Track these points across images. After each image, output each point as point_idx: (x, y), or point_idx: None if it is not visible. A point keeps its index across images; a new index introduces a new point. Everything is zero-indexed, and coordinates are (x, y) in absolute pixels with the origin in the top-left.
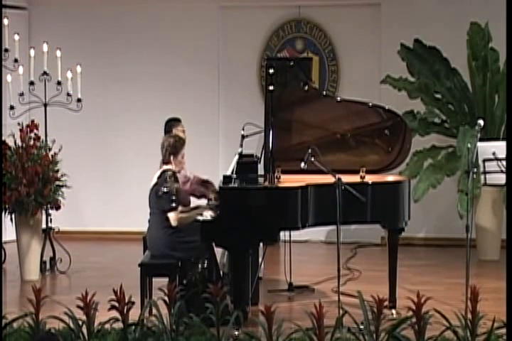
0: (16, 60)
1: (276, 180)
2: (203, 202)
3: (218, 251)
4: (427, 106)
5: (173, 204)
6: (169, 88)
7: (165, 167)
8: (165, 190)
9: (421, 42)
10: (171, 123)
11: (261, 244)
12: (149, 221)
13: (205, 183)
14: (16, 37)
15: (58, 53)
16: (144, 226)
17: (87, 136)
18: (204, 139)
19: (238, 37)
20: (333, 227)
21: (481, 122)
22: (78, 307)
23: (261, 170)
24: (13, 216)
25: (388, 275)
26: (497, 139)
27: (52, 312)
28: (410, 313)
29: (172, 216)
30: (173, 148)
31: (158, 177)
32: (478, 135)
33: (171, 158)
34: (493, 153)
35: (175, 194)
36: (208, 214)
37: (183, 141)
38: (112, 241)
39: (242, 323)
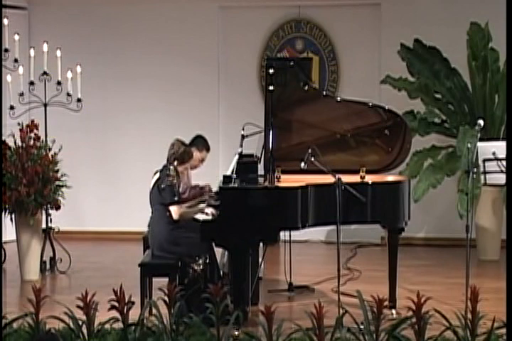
0: (16, 60)
1: (276, 180)
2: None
3: (218, 251)
4: (427, 106)
5: (176, 198)
6: (169, 88)
7: (166, 163)
8: (168, 183)
9: (421, 42)
10: (200, 143)
11: (261, 244)
12: (151, 218)
13: (198, 188)
14: (16, 37)
15: (58, 53)
16: (144, 227)
17: (87, 136)
18: None
19: (238, 37)
20: (333, 227)
21: (481, 122)
22: (78, 307)
23: (261, 170)
24: (13, 216)
25: (388, 275)
26: (497, 139)
27: (52, 312)
28: (410, 313)
29: (174, 209)
30: (180, 156)
31: (161, 171)
32: (478, 135)
33: (175, 162)
34: (493, 153)
35: (177, 188)
36: (209, 211)
37: (191, 156)
38: (111, 241)
39: (242, 323)
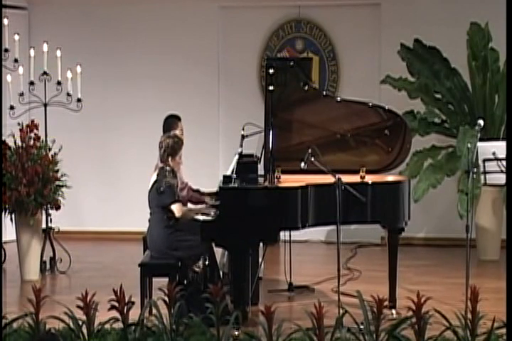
0: (16, 60)
1: (276, 180)
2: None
3: (218, 251)
4: (427, 106)
5: (176, 198)
6: (169, 88)
7: (161, 165)
8: (166, 184)
9: (421, 42)
10: (171, 122)
11: (261, 244)
12: (149, 220)
13: (199, 193)
14: (16, 37)
15: (58, 53)
16: (144, 227)
17: (87, 136)
18: (204, 139)
19: (238, 37)
20: (333, 227)
21: (481, 122)
22: (78, 307)
23: (261, 170)
24: (13, 216)
25: (388, 275)
26: (497, 139)
27: (52, 312)
28: (410, 313)
29: (176, 207)
30: (172, 149)
31: (158, 175)
32: (478, 135)
33: (169, 158)
34: (493, 153)
35: (175, 189)
36: (211, 212)
37: (181, 142)
38: (111, 241)
39: (242, 323)
